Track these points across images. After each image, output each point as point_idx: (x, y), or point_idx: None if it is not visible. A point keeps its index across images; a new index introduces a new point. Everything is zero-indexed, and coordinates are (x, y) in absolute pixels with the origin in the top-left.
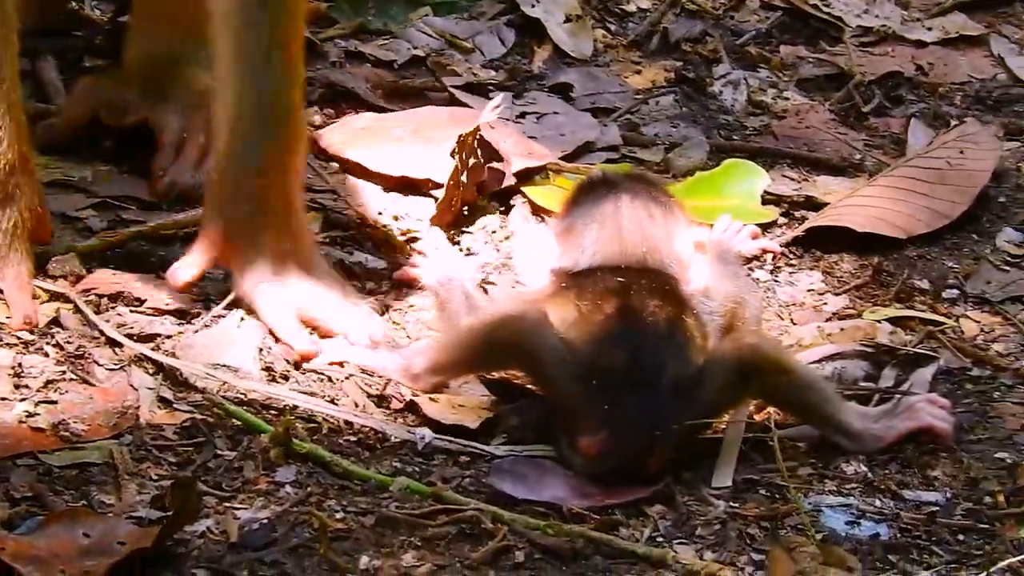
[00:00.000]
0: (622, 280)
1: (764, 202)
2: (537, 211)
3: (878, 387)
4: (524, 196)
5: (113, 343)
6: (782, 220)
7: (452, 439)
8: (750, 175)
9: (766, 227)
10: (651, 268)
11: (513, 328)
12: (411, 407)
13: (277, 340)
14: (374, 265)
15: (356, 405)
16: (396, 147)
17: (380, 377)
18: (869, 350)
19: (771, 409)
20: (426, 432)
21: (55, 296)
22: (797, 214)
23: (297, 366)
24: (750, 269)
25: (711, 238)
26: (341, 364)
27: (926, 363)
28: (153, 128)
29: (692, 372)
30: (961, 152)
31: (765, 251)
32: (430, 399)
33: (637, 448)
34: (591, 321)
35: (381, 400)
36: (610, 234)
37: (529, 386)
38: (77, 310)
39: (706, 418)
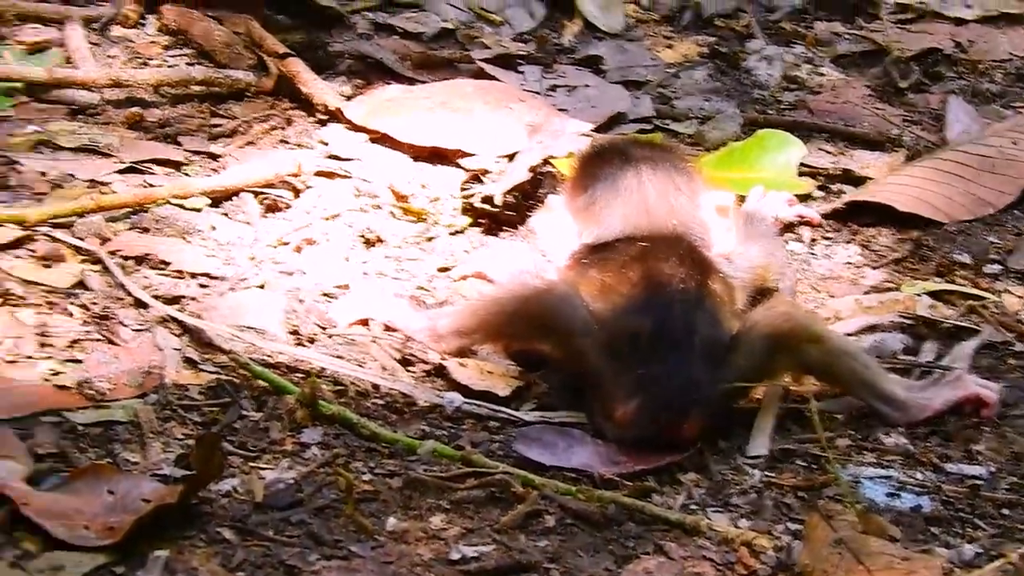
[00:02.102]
0: (649, 249)
1: (800, 174)
2: (564, 182)
3: (918, 360)
4: (553, 167)
5: (139, 304)
6: (818, 193)
7: (481, 404)
8: (785, 146)
9: (802, 199)
10: (676, 236)
11: (542, 301)
12: (439, 372)
13: None
14: (400, 231)
15: (384, 369)
16: (424, 118)
17: (409, 339)
18: (908, 323)
19: (808, 379)
20: (455, 396)
21: (83, 256)
22: (834, 187)
23: (324, 329)
24: (786, 241)
25: (745, 209)
26: (366, 324)
27: (967, 337)
28: None
29: (724, 338)
30: (1014, 143)
31: (802, 218)
32: (459, 364)
33: (671, 414)
34: (620, 291)
35: (408, 364)
36: (636, 207)
37: (554, 360)
38: (105, 271)
39: (741, 386)
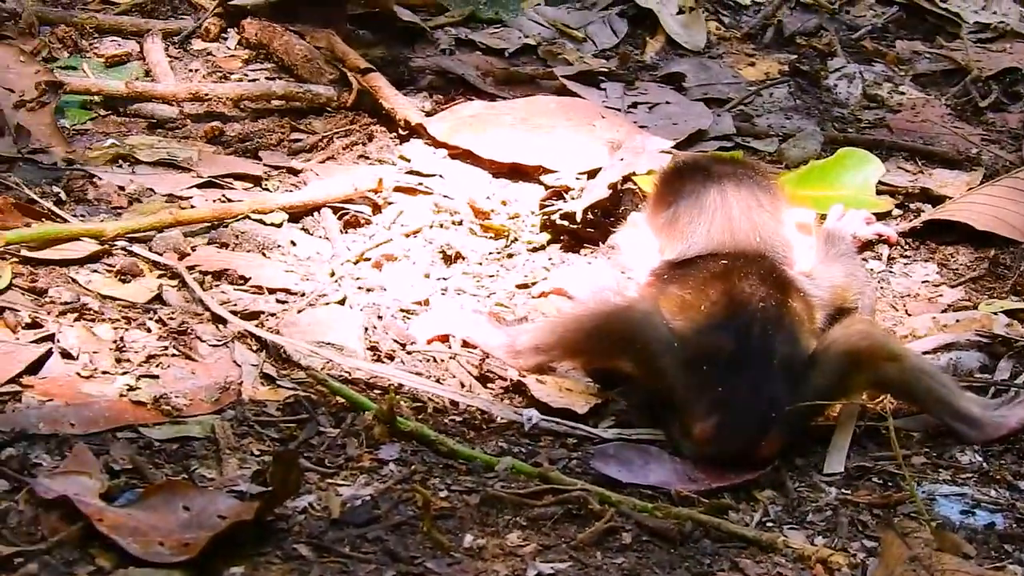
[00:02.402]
0: (730, 267)
1: (879, 192)
2: (646, 198)
3: (994, 379)
4: (634, 184)
5: (217, 319)
6: (897, 211)
7: (559, 421)
8: (864, 164)
9: (880, 217)
10: (758, 254)
11: (623, 319)
12: (518, 389)
13: None
14: (480, 248)
15: (462, 386)
16: (506, 134)
17: (488, 356)
18: (985, 341)
19: (885, 397)
20: (533, 413)
21: (160, 271)
22: (912, 206)
23: (403, 346)
24: (864, 259)
25: (825, 227)
26: (445, 340)
27: None
28: None
29: (803, 357)
30: None
31: (880, 236)
32: (537, 381)
33: (751, 432)
34: (701, 309)
35: (487, 381)
36: (718, 225)
37: (633, 377)
38: (183, 285)
39: (818, 404)
